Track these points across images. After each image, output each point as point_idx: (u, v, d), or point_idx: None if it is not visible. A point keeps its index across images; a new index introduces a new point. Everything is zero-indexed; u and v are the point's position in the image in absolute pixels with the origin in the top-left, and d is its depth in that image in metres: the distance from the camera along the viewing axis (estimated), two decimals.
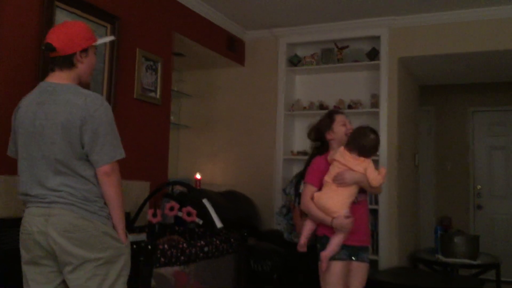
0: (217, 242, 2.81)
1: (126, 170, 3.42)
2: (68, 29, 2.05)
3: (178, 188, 3.99)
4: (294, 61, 4.86)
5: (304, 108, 4.82)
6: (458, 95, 6.17)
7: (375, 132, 2.72)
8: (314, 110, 4.74)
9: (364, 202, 2.76)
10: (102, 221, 1.96)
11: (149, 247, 2.27)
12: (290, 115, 4.84)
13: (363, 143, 2.65)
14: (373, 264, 4.28)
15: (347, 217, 2.57)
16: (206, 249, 2.73)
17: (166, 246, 2.41)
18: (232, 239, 2.94)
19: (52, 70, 2.03)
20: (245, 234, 3.06)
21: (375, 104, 4.53)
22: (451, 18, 4.28)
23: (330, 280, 2.61)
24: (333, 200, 2.60)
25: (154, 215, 3.09)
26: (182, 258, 2.57)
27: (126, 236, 2.04)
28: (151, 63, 3.64)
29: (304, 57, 4.87)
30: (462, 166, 6.10)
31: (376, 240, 4.34)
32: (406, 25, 4.44)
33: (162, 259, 2.40)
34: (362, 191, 2.70)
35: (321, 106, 4.72)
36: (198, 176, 4.67)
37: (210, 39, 4.51)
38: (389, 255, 4.30)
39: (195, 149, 5.13)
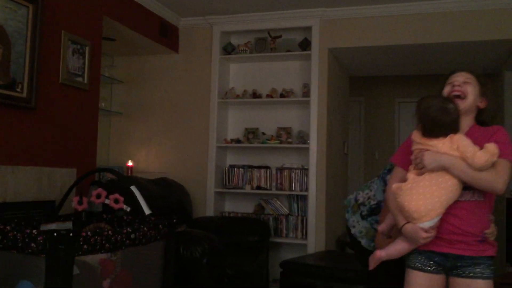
0: (145, 229, 2.79)
1: (51, 156, 3.34)
2: None
3: (108, 176, 3.93)
4: (228, 49, 4.87)
5: (238, 96, 4.85)
6: (386, 86, 6.45)
7: (436, 98, 1.93)
8: (247, 98, 4.80)
9: (474, 203, 1.88)
10: None
11: (70, 234, 2.23)
12: (223, 103, 4.86)
13: (426, 117, 1.88)
14: (302, 248, 4.43)
15: (426, 230, 1.82)
16: (133, 236, 2.70)
17: (89, 233, 2.37)
18: (160, 226, 2.93)
19: None
20: (175, 220, 3.06)
21: (306, 93, 4.64)
22: (380, 12, 4.45)
23: None
24: (417, 202, 1.82)
25: (80, 202, 3.02)
26: (108, 245, 2.53)
27: None
28: (78, 46, 3.53)
29: (238, 45, 4.89)
30: (389, 154, 6.37)
31: (306, 226, 4.48)
32: (336, 17, 4.56)
33: (86, 247, 2.36)
34: (469, 189, 1.87)
35: (254, 95, 4.78)
36: (129, 163, 4.61)
37: (143, 25, 4.43)
38: (317, 239, 4.45)
39: (128, 136, 5.04)
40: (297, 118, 4.75)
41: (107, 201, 3.08)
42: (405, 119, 6.43)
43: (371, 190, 2.49)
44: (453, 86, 1.97)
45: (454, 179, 1.81)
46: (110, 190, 3.12)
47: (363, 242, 2.46)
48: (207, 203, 4.68)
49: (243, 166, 4.78)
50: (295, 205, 4.63)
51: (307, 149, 4.54)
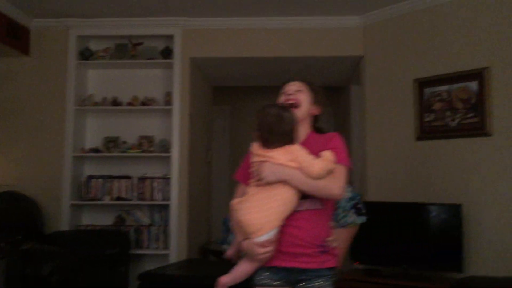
0: None
1: None
2: None
3: None
4: (86, 55, 4.66)
5: (97, 103, 4.65)
6: (250, 96, 6.68)
7: (274, 107, 1.90)
8: (107, 106, 4.63)
9: (313, 212, 1.84)
10: None
11: None
12: (81, 110, 4.63)
13: (264, 125, 1.83)
14: (165, 259, 4.38)
15: (263, 245, 1.75)
16: None
17: None
18: (1, 244, 2.70)
19: None
20: (19, 237, 2.84)
21: (168, 102, 4.61)
22: (240, 24, 4.61)
23: None
24: (252, 215, 1.74)
25: None
26: None
27: None
28: None
29: (97, 51, 4.71)
30: None
31: (168, 235, 4.44)
32: (198, 26, 4.62)
33: None
34: (307, 197, 1.82)
35: (115, 102, 4.63)
36: None
37: None
38: (179, 249, 4.42)
39: None
40: (160, 127, 4.70)
41: None
42: None
43: None
44: (287, 95, 1.97)
45: (290, 190, 1.76)
46: None
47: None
48: (62, 217, 4.39)
49: (102, 177, 4.58)
50: (157, 215, 4.57)
51: (169, 158, 4.51)
